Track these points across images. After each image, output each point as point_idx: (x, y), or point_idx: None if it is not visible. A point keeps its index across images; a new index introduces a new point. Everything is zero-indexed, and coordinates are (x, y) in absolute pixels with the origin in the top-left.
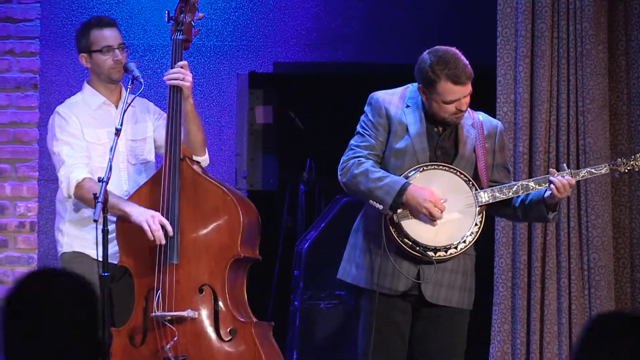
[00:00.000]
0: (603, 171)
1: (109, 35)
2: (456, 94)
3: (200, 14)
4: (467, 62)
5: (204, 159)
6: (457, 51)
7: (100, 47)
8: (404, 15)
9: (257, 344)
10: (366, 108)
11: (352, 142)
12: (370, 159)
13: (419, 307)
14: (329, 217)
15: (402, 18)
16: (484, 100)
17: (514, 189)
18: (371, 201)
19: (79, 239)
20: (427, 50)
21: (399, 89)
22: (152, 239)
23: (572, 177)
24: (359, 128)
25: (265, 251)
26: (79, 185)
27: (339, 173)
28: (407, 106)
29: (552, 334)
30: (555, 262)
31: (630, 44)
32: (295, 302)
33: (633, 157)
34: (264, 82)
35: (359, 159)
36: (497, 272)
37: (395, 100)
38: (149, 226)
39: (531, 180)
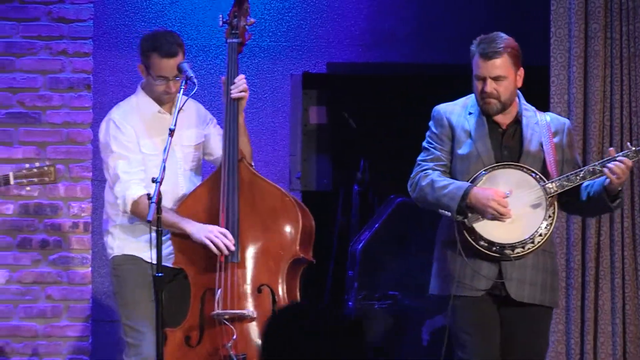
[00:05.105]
0: None
1: (166, 66)
2: None
3: (252, 19)
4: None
5: None
6: None
7: (155, 75)
8: (456, 15)
9: None
10: (430, 123)
11: (418, 158)
12: (437, 170)
13: (504, 307)
14: (383, 218)
15: (454, 18)
16: (537, 100)
17: (581, 175)
18: (440, 210)
19: (130, 242)
20: None
21: (461, 100)
22: (219, 252)
23: (635, 154)
24: (424, 143)
25: (319, 252)
26: (135, 203)
27: (409, 189)
28: (470, 113)
29: (606, 335)
30: (609, 263)
31: None
32: (350, 303)
33: None
34: (318, 83)
35: (425, 171)
36: None
37: (457, 110)
38: (212, 241)
39: (597, 163)
